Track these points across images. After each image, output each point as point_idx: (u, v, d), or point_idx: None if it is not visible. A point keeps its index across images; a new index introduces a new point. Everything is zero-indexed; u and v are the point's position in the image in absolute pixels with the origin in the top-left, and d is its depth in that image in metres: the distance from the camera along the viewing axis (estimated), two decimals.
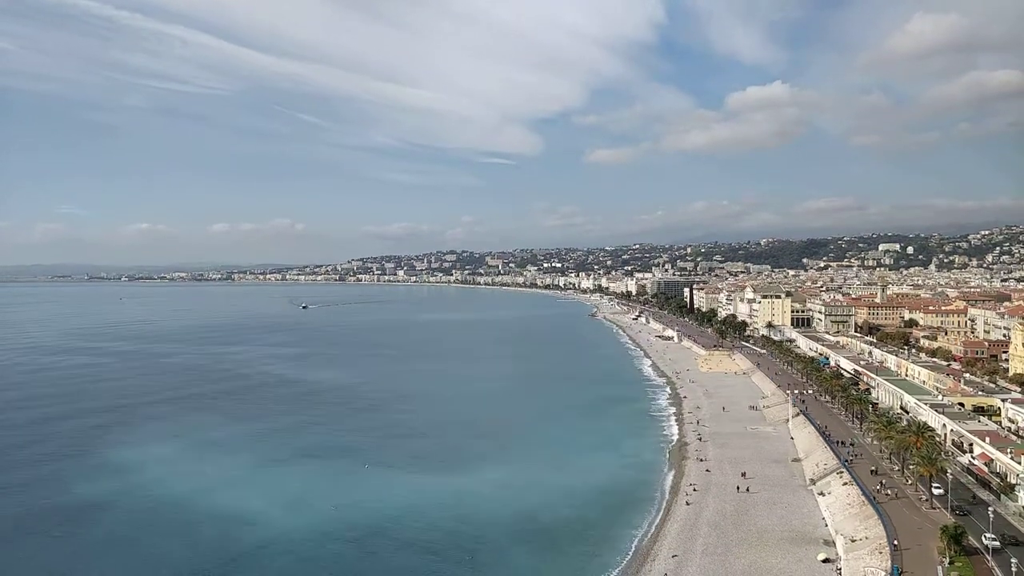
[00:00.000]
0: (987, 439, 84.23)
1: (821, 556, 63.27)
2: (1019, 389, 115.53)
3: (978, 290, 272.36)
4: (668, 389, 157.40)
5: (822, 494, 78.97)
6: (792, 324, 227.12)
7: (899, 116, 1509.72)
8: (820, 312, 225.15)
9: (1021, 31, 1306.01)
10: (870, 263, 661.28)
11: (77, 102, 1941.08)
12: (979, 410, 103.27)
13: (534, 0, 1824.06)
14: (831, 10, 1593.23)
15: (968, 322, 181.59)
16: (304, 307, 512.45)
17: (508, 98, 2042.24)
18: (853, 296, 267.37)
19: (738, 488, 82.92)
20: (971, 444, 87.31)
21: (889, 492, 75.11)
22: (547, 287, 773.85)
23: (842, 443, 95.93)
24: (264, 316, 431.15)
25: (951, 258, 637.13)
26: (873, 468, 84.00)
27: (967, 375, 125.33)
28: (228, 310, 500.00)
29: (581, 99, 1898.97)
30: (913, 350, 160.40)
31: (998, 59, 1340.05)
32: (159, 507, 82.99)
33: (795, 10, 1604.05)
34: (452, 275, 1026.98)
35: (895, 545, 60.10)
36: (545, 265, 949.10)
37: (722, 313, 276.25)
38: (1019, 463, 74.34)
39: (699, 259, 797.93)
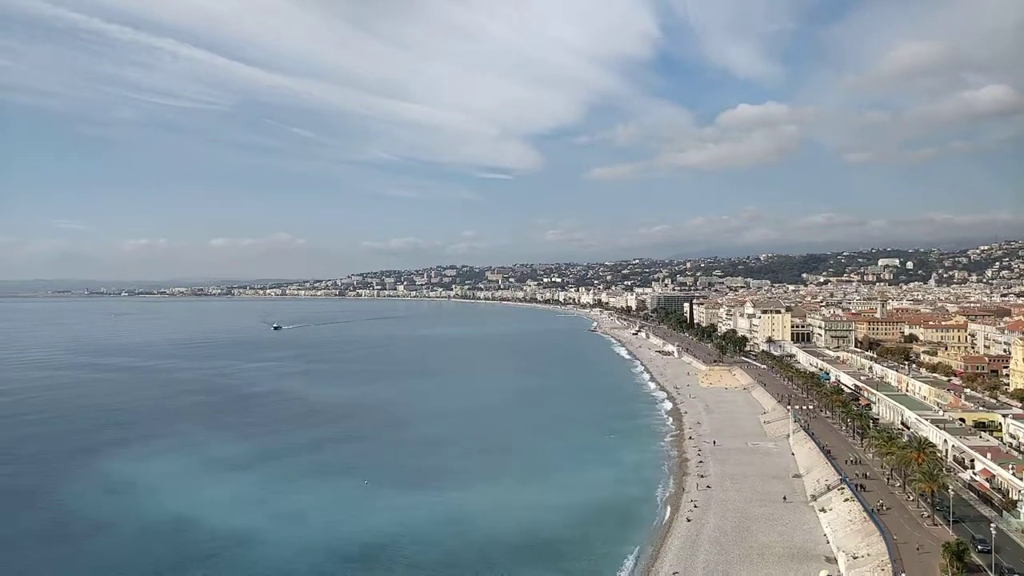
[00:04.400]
0: (988, 455, 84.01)
1: (823, 573, 62.82)
2: (1020, 404, 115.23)
3: (978, 305, 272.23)
4: (668, 404, 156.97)
5: (823, 510, 78.58)
6: (792, 339, 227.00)
7: (895, 133, 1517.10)
8: (820, 327, 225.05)
9: (1006, 51, 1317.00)
10: (870, 278, 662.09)
11: (71, 116, 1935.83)
12: (980, 426, 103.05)
13: (529, 16, 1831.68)
14: (823, 25, 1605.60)
15: (968, 337, 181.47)
16: (276, 327, 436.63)
17: (506, 114, 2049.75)
18: (853, 311, 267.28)
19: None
20: (972, 460, 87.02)
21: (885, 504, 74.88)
22: (547, 302, 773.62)
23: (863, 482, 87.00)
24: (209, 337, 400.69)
25: (951, 273, 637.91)
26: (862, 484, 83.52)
27: (968, 390, 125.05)
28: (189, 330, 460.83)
29: (578, 115, 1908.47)
30: (913, 365, 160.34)
31: (986, 77, 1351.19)
32: (155, 524, 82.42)
33: (788, 23, 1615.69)
34: (452, 290, 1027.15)
35: (897, 562, 59.72)
36: (545, 280, 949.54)
37: (722, 328, 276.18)
38: (1021, 479, 74.10)
39: (699, 274, 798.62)
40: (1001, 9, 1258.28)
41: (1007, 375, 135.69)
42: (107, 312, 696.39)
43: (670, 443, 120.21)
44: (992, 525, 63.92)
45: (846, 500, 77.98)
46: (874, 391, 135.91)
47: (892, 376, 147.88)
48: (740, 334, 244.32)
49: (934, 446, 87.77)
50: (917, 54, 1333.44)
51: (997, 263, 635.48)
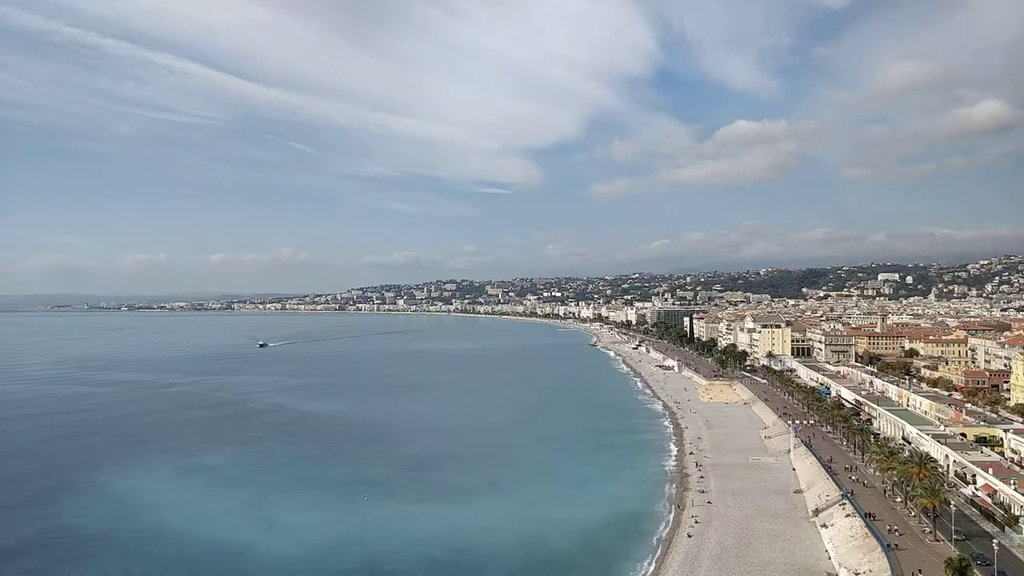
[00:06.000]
0: (990, 470, 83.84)
1: None
2: (1021, 419, 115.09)
3: (978, 320, 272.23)
4: (669, 419, 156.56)
5: (825, 526, 78.26)
6: (792, 354, 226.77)
7: (893, 148, 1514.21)
8: (820, 342, 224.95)
9: (1001, 68, 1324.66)
10: (869, 293, 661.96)
11: (68, 131, 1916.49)
12: (981, 440, 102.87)
13: (527, 32, 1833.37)
14: (820, 41, 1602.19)
15: (969, 352, 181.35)
16: (262, 345, 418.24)
17: (505, 129, 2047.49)
18: (853, 326, 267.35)
19: None
20: (974, 475, 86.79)
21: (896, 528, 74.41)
22: (547, 316, 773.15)
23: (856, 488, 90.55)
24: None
25: (950, 288, 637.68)
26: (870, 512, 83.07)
27: (968, 405, 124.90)
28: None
29: (577, 130, 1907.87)
30: (914, 380, 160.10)
31: (981, 93, 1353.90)
32: (152, 538, 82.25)
33: (785, 37, 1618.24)
34: (452, 304, 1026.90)
35: None
36: (545, 294, 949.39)
37: (722, 343, 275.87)
38: (1023, 494, 73.86)
39: (698, 288, 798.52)
40: (995, 27, 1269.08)
41: (1008, 390, 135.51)
42: (103, 328, 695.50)
43: (670, 458, 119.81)
44: (994, 541, 63.70)
45: (848, 515, 77.70)
46: (875, 406, 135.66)
47: (893, 391, 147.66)
48: (740, 349, 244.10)
49: (935, 461, 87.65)
50: (912, 73, 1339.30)
51: (997, 278, 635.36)
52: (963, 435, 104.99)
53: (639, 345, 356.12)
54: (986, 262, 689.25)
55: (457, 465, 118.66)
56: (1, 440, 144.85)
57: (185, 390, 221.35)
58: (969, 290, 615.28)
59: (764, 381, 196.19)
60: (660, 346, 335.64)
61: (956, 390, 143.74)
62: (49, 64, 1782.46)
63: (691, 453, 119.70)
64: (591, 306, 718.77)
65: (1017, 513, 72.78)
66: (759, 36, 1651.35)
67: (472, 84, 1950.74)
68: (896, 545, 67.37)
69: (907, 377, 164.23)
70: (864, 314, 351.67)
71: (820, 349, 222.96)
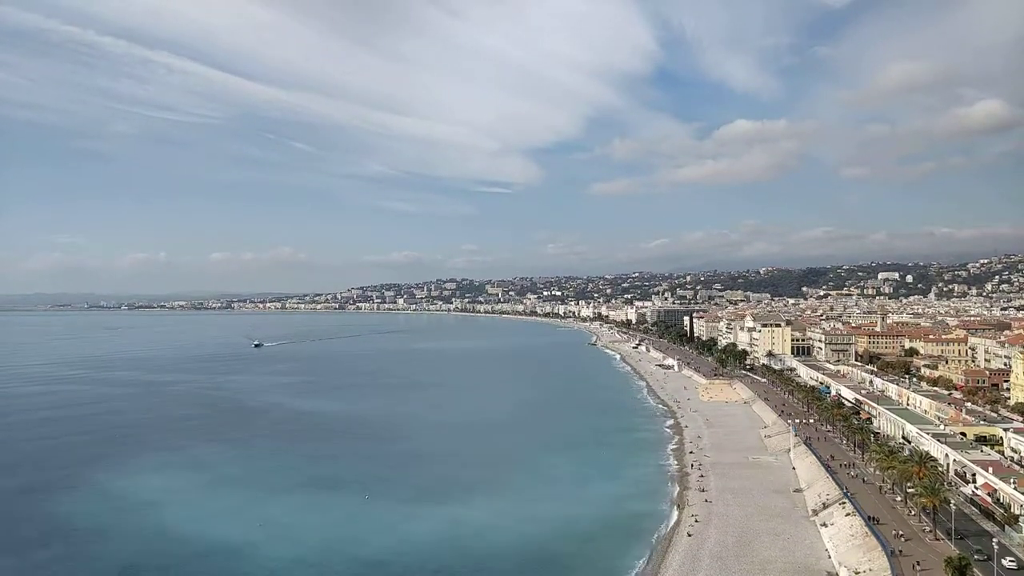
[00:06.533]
0: (990, 469, 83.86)
1: None
2: (1021, 419, 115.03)
3: (978, 319, 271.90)
4: (669, 418, 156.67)
5: (824, 525, 78.28)
6: (792, 353, 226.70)
7: (894, 147, 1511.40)
8: (820, 341, 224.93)
9: (1000, 67, 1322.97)
10: (869, 292, 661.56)
11: (67, 130, 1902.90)
12: (981, 439, 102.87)
13: (527, 31, 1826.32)
14: (819, 40, 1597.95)
15: (969, 351, 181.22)
16: (257, 345, 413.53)
17: (505, 128, 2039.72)
18: (853, 325, 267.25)
19: None
20: (974, 474, 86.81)
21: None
22: (547, 315, 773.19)
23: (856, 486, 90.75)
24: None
25: (950, 287, 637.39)
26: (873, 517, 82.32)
27: (968, 404, 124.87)
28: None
29: (578, 129, 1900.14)
30: (914, 379, 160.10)
31: (981, 92, 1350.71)
32: (150, 537, 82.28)
33: (784, 37, 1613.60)
34: (452, 303, 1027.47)
35: None
36: (545, 293, 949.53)
37: (722, 342, 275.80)
38: (1023, 493, 73.89)
39: (698, 288, 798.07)
40: (995, 26, 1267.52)
41: (1008, 389, 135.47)
42: (102, 327, 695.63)
43: (671, 457, 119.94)
44: (994, 540, 63.70)
45: (848, 515, 77.70)
46: (875, 405, 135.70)
47: (893, 390, 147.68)
48: (740, 348, 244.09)
49: (935, 460, 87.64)
50: (912, 72, 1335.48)
51: (997, 277, 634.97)
52: (963, 434, 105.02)
53: (639, 344, 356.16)
54: (986, 261, 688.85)
55: (457, 464, 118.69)
56: (9, 438, 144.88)
57: (183, 390, 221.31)
58: (969, 289, 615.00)
59: (764, 380, 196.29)
60: (660, 345, 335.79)
61: (956, 389, 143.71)
62: (48, 62, 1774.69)
63: (691, 452, 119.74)
64: (591, 305, 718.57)
65: (1017, 512, 72.80)
66: (759, 36, 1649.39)
67: (472, 83, 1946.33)
68: (901, 551, 66.20)
69: (907, 376, 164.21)
70: (864, 313, 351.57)
71: (820, 348, 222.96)
